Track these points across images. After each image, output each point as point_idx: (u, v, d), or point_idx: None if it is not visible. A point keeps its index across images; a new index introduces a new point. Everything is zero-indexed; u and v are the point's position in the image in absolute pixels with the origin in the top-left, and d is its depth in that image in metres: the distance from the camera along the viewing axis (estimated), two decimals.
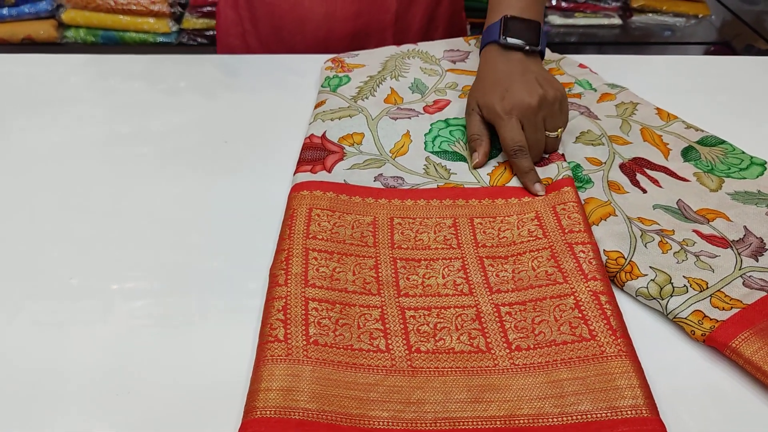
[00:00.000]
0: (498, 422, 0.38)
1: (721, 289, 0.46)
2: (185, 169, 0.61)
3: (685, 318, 0.44)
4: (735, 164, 0.59)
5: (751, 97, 0.73)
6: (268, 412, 0.37)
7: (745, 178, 0.57)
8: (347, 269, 0.47)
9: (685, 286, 0.46)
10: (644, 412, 0.38)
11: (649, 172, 0.58)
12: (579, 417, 0.38)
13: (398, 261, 0.49)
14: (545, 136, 0.57)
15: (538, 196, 0.54)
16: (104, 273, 0.50)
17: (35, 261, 0.51)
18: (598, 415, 0.38)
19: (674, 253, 0.49)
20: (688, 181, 0.57)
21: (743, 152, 0.60)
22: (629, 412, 0.38)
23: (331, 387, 0.39)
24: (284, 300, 0.44)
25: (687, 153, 0.61)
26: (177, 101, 0.72)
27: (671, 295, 0.46)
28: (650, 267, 0.48)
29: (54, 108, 0.70)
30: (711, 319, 0.44)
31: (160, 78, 0.77)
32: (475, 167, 0.58)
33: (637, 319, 0.46)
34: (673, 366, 0.43)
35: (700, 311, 0.44)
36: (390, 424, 0.38)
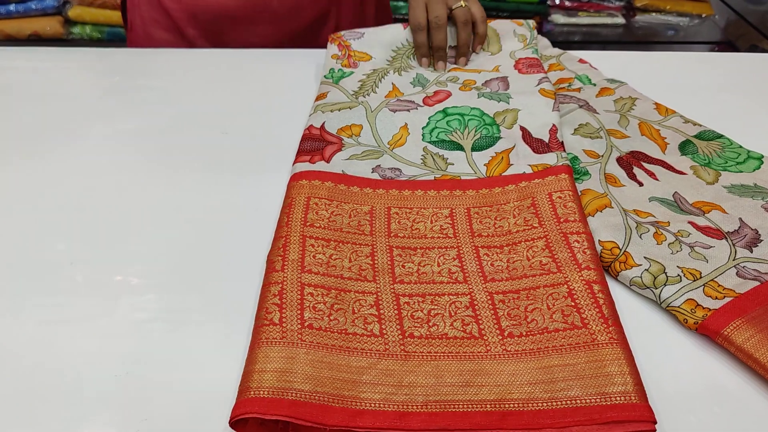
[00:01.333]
0: (488, 406, 0.38)
1: (715, 279, 0.46)
2: (187, 162, 0.61)
3: (678, 306, 0.45)
4: (732, 158, 0.59)
5: (752, 93, 0.73)
6: (262, 392, 0.38)
7: (741, 171, 0.58)
8: (344, 256, 0.48)
9: (678, 275, 0.47)
10: (634, 398, 0.38)
11: (646, 165, 0.59)
12: (568, 402, 0.38)
13: (394, 249, 0.49)
14: (449, 10, 0.74)
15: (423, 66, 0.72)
16: (107, 267, 0.50)
17: (39, 256, 0.51)
18: (588, 401, 0.38)
19: (669, 244, 0.49)
20: (684, 174, 0.58)
21: (740, 146, 0.60)
22: (619, 399, 0.38)
23: (324, 369, 0.40)
24: (280, 285, 0.45)
25: (684, 147, 0.61)
26: (179, 95, 0.72)
27: (665, 285, 0.46)
28: (644, 257, 0.48)
29: (58, 103, 0.71)
30: (704, 308, 0.44)
31: (162, 72, 0.77)
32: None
33: (631, 309, 0.46)
34: (666, 354, 0.43)
35: (693, 300, 0.45)
36: (381, 405, 0.38)
